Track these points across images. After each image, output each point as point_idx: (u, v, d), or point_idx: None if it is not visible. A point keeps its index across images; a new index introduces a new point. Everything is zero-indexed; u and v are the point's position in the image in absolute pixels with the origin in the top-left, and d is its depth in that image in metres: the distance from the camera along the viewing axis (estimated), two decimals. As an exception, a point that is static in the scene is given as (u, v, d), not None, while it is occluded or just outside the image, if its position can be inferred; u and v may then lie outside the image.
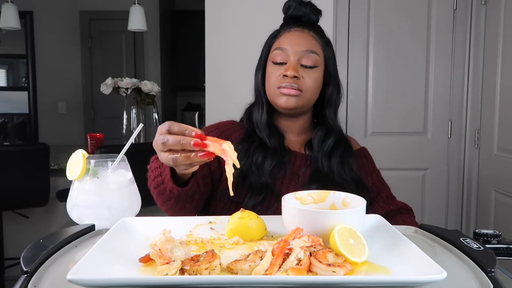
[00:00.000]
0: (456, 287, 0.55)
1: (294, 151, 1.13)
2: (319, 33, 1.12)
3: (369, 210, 1.08)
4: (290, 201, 0.74)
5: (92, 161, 0.81)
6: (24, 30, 4.95)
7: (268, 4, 2.31)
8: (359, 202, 0.70)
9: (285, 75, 1.05)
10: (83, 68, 5.16)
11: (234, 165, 0.70)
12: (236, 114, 1.21)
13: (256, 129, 1.12)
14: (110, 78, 3.08)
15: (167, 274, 0.54)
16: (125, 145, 0.84)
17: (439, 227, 0.75)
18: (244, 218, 0.72)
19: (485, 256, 0.59)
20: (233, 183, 0.69)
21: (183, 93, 5.76)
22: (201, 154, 0.70)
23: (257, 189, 1.03)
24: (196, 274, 0.54)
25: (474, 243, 0.65)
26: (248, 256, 0.58)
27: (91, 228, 0.76)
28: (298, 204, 0.75)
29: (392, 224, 0.73)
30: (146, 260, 0.59)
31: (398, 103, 2.46)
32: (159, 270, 0.55)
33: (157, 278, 0.53)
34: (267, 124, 1.11)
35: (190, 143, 0.69)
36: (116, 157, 0.82)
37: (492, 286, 0.52)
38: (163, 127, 0.73)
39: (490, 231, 0.78)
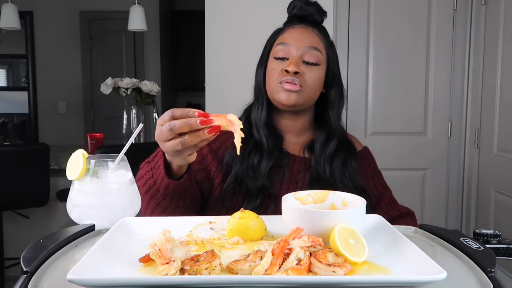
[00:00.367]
0: (456, 287, 0.55)
1: (292, 154, 1.11)
2: (323, 33, 1.11)
3: None
4: (290, 201, 0.74)
5: (92, 161, 0.81)
6: (24, 30, 4.95)
7: (268, 4, 2.31)
8: (359, 202, 0.70)
9: (286, 70, 1.03)
10: (83, 68, 5.16)
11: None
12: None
13: (254, 129, 1.09)
14: (110, 78, 3.08)
15: (167, 274, 0.54)
16: (125, 145, 0.83)
17: (439, 227, 0.74)
18: (244, 218, 0.72)
19: (485, 256, 0.59)
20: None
21: (183, 93, 5.76)
22: (208, 129, 0.73)
23: (254, 193, 1.01)
24: (196, 274, 0.54)
25: (474, 243, 0.65)
26: (248, 256, 0.58)
27: (91, 228, 0.76)
28: (298, 204, 0.75)
29: (394, 227, 0.72)
30: (146, 260, 0.59)
31: (398, 103, 2.46)
32: (159, 270, 0.55)
33: (157, 278, 0.53)
34: (266, 123, 1.09)
35: (196, 122, 0.72)
36: (116, 157, 0.82)
37: (492, 286, 0.52)
38: (165, 116, 0.76)
39: (490, 231, 0.78)
